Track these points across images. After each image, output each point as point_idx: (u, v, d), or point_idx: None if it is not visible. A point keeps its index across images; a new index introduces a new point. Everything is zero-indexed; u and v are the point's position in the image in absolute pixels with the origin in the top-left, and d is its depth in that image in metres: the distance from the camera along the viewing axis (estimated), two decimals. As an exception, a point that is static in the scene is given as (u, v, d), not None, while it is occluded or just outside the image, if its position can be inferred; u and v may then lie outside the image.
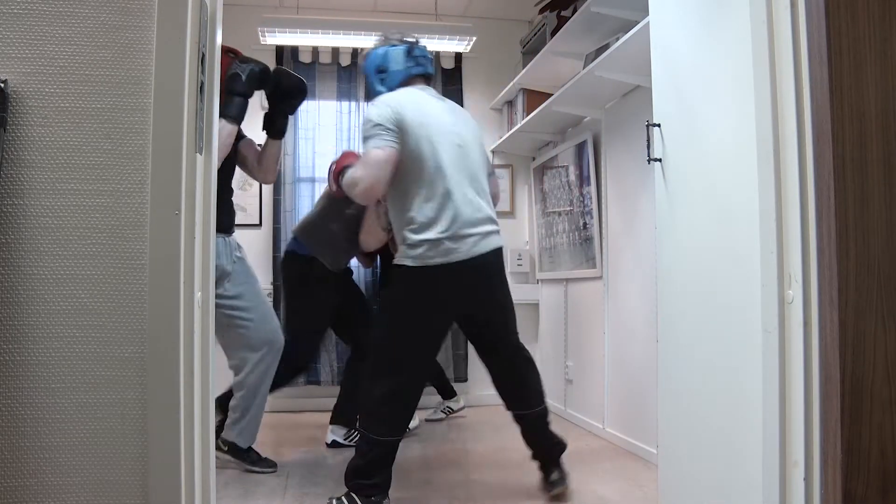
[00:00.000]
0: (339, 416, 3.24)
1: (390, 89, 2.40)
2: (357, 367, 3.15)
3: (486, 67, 4.49)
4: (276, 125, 2.84)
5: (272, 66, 4.27)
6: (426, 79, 2.50)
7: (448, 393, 3.91)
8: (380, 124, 2.22)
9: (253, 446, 2.82)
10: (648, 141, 2.03)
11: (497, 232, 2.38)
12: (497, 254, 2.37)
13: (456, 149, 2.31)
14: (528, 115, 3.89)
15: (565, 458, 2.50)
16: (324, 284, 3.13)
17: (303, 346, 3.16)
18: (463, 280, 2.27)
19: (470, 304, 2.36)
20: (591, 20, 3.10)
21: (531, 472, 2.54)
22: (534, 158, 4.47)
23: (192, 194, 1.27)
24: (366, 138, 2.25)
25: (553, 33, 3.53)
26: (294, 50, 4.29)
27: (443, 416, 3.89)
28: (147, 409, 1.21)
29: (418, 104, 2.32)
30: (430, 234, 2.22)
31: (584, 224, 3.65)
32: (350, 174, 2.26)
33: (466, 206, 2.27)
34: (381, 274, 3.73)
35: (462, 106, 4.47)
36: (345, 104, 4.30)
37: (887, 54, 1.32)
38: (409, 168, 2.25)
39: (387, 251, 3.19)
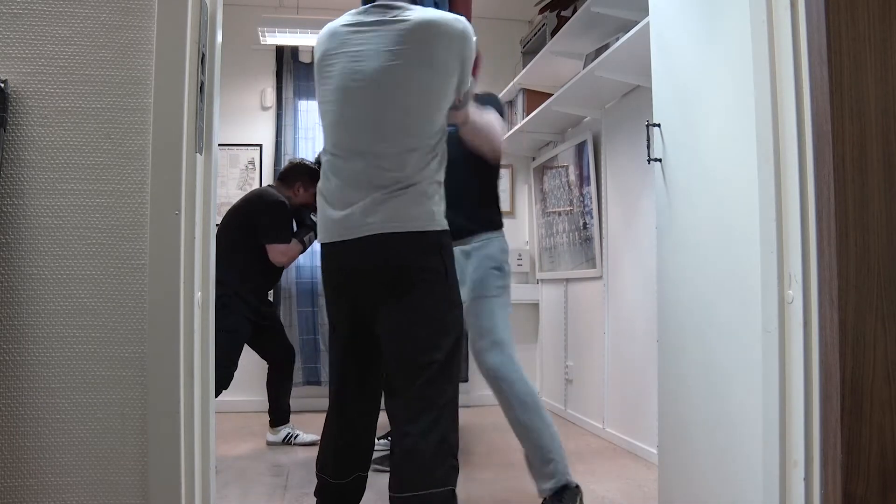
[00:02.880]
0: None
1: None
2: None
3: (486, 67, 4.47)
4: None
5: (271, 65, 4.30)
6: None
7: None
8: None
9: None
10: (648, 141, 2.03)
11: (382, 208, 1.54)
12: (374, 245, 1.54)
13: (350, 83, 1.60)
14: (528, 115, 3.89)
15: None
16: None
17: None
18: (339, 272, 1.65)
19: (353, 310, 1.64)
20: (591, 20, 3.10)
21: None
22: (534, 158, 4.47)
23: (192, 194, 1.27)
24: None
25: (553, 33, 3.53)
26: (294, 50, 4.29)
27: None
28: (147, 408, 1.21)
29: (333, 31, 1.67)
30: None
31: (584, 224, 3.66)
32: None
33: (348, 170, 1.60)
34: None
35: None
36: (345, 104, 4.30)
37: (887, 54, 1.32)
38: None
39: None
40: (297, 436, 3.35)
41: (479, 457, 3.10)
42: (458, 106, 1.72)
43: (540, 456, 2.21)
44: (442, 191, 1.64)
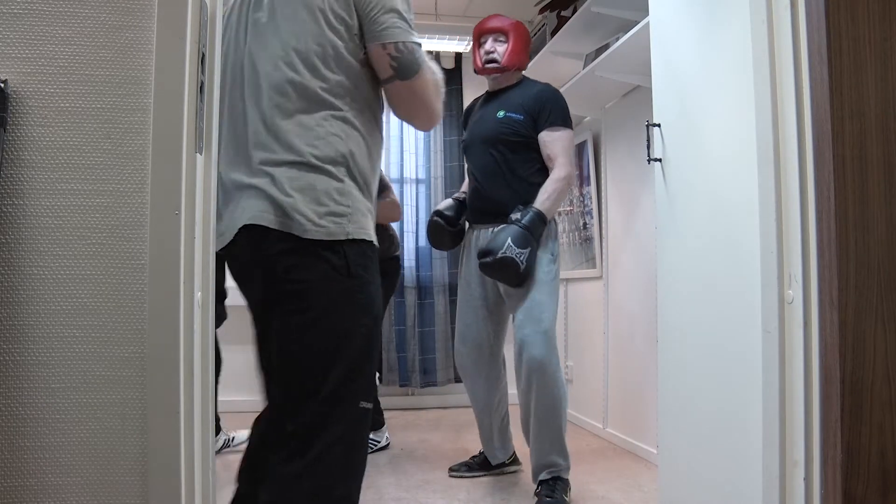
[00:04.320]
0: None
1: None
2: None
3: (486, 67, 4.48)
4: None
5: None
6: None
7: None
8: None
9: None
10: (648, 141, 2.03)
11: (258, 193, 1.28)
12: (254, 239, 1.28)
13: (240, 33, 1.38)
14: (528, 115, 3.89)
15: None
16: None
17: None
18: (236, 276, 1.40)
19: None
20: (591, 20, 3.10)
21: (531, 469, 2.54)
22: (534, 158, 4.47)
23: (192, 194, 1.27)
24: None
25: (553, 33, 3.53)
26: (294, 50, 4.28)
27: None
28: (147, 409, 1.21)
29: None
30: None
31: (584, 224, 3.66)
32: None
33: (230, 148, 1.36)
34: None
35: (462, 107, 4.49)
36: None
37: (887, 54, 1.32)
38: None
39: None
40: (232, 439, 3.18)
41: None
42: None
43: (548, 451, 2.35)
44: None
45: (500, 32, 2.56)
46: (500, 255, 2.27)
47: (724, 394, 1.66)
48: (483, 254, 2.34)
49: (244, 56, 1.35)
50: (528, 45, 2.62)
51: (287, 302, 1.27)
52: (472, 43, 2.66)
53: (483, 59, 2.58)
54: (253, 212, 1.28)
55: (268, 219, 1.26)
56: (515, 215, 2.36)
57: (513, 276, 2.32)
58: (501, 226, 2.38)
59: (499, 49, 2.55)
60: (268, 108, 1.29)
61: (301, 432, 1.24)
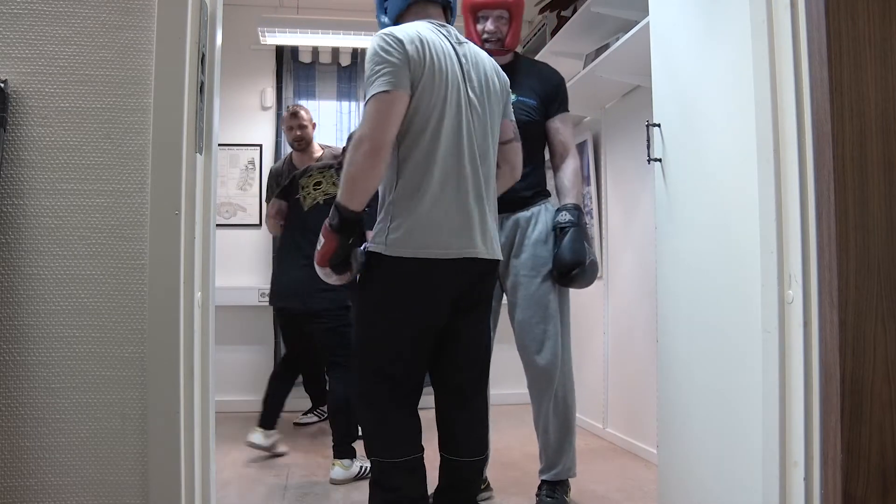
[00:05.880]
0: None
1: (394, 22, 1.79)
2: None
3: (486, 67, 4.48)
4: None
5: (271, 65, 4.30)
6: (443, 9, 1.81)
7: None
8: (386, 60, 1.58)
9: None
10: (648, 141, 2.03)
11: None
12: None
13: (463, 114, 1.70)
14: (528, 115, 3.88)
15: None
16: None
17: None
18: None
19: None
20: (591, 20, 3.10)
21: (531, 471, 2.54)
22: (534, 158, 4.46)
23: (192, 194, 1.27)
24: (369, 84, 1.60)
25: (553, 33, 3.53)
26: (294, 50, 4.29)
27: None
28: (147, 409, 1.21)
29: (435, 44, 1.67)
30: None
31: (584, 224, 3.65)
32: (355, 135, 1.63)
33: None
34: None
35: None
36: (345, 104, 4.30)
37: (887, 54, 1.32)
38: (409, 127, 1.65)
39: None
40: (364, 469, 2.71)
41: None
42: None
43: (558, 447, 2.31)
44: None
45: (503, 9, 2.35)
46: (588, 261, 2.18)
47: (724, 394, 1.66)
48: (570, 266, 2.18)
49: (476, 123, 1.74)
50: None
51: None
52: (464, 17, 2.37)
53: (483, 38, 2.35)
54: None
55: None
56: (565, 216, 2.26)
57: (594, 278, 2.25)
58: (565, 234, 2.24)
59: (502, 28, 2.36)
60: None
61: (483, 388, 2.03)
